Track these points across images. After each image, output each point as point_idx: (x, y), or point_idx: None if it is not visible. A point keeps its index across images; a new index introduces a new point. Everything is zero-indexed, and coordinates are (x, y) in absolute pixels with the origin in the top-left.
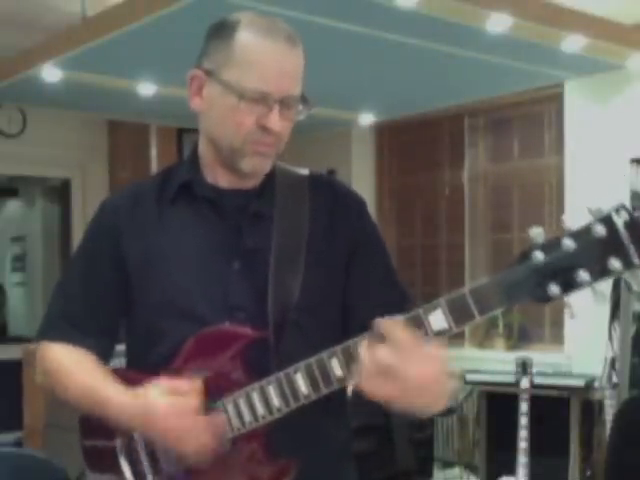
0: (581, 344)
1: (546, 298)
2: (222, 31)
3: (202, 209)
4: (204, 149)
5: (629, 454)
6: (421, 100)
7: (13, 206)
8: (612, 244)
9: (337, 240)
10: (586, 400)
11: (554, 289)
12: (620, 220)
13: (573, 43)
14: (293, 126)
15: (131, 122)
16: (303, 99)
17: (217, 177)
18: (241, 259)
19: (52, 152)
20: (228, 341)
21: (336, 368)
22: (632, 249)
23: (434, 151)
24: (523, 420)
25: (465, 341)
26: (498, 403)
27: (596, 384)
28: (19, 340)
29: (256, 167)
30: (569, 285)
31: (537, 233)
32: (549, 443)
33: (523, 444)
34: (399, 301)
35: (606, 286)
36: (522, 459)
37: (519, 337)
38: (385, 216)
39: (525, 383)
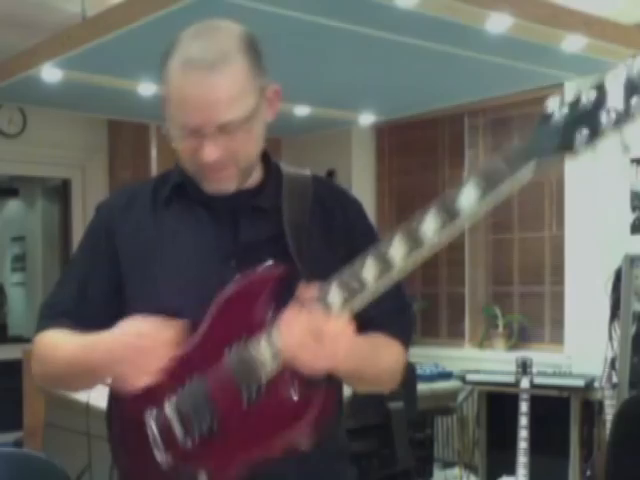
0: (581, 344)
1: (574, 146)
2: (164, 58)
3: (196, 210)
4: None
5: (629, 454)
6: (421, 100)
7: (13, 206)
8: (632, 87)
9: (336, 240)
10: (586, 400)
11: (583, 134)
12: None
13: (573, 43)
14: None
15: (131, 122)
16: (245, 118)
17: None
18: (237, 256)
19: (52, 152)
20: (259, 281)
21: (369, 271)
22: None
23: (434, 151)
24: (523, 420)
25: (465, 341)
26: (498, 403)
27: (596, 384)
28: (19, 340)
29: (219, 189)
30: (596, 128)
31: (553, 100)
32: (549, 443)
33: (523, 444)
34: (395, 295)
35: (631, 138)
36: (522, 459)
37: (519, 337)
38: (385, 216)
39: (525, 383)
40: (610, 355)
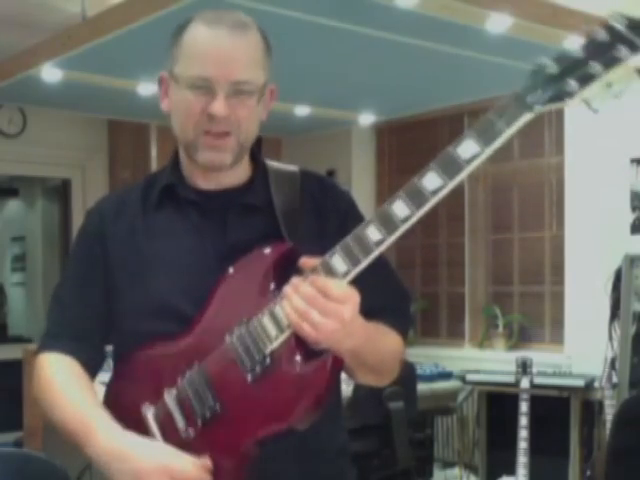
0: (581, 344)
1: (566, 94)
2: (177, 31)
3: (186, 212)
4: (181, 153)
5: (629, 454)
6: (421, 100)
7: (13, 206)
8: (615, 39)
9: (329, 231)
10: (586, 400)
11: (572, 83)
12: (619, 24)
13: (573, 43)
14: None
15: (131, 122)
16: (255, 84)
17: (196, 180)
18: (231, 256)
19: (52, 152)
20: (258, 263)
21: (373, 233)
22: (635, 38)
23: (434, 151)
24: (523, 420)
25: (465, 341)
26: (498, 403)
27: (596, 384)
28: (19, 340)
29: (212, 161)
30: (585, 77)
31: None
32: (549, 443)
33: (523, 444)
34: (393, 286)
35: (621, 87)
36: (522, 459)
37: (519, 337)
38: None
39: (525, 383)
40: (610, 355)
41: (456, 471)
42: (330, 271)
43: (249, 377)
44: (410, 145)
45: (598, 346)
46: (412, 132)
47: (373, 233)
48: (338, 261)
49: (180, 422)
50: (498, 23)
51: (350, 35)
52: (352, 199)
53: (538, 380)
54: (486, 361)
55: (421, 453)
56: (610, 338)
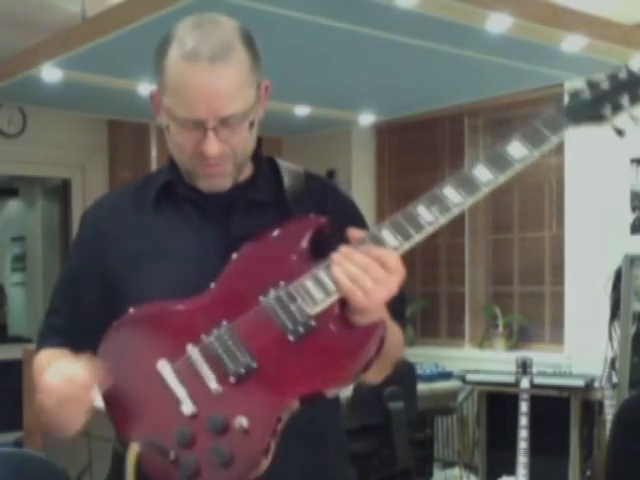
0: (581, 344)
1: (603, 117)
2: (160, 48)
3: (186, 209)
4: None
5: (629, 454)
6: (421, 100)
7: (13, 206)
8: (635, 82)
9: (332, 231)
10: (586, 400)
11: (607, 110)
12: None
13: (573, 43)
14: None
15: (131, 122)
16: (243, 114)
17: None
18: (232, 251)
19: (52, 152)
20: (297, 227)
21: (424, 213)
22: None
23: (434, 151)
24: (523, 420)
25: (465, 341)
26: (498, 403)
27: (596, 384)
28: (19, 340)
29: (214, 186)
30: (617, 107)
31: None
32: (549, 443)
33: (523, 444)
34: None
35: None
36: (522, 459)
37: (519, 337)
38: (385, 216)
39: (525, 383)
40: (610, 355)
41: (456, 471)
42: (381, 243)
43: (291, 337)
44: (410, 145)
45: (598, 346)
46: (412, 132)
47: (424, 212)
48: (388, 235)
49: (209, 378)
50: (498, 23)
51: (350, 35)
52: (354, 202)
53: (538, 380)
54: (486, 361)
55: (421, 453)
56: (610, 338)
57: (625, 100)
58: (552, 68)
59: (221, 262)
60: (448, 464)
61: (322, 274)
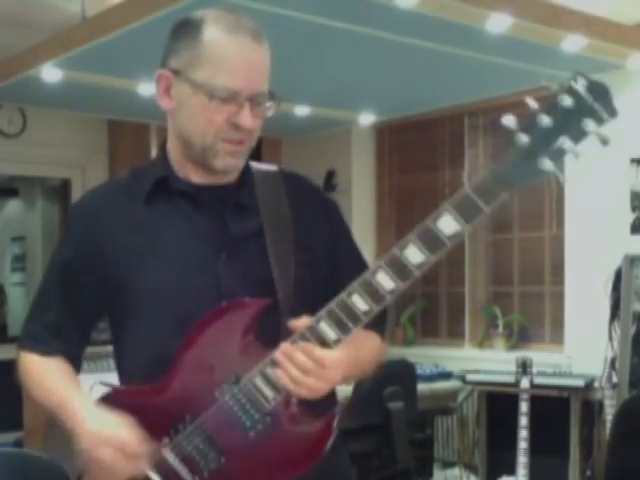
0: (581, 344)
1: (542, 172)
2: (188, 29)
3: (180, 204)
4: (173, 147)
5: (629, 454)
6: (421, 100)
7: (13, 206)
8: (581, 108)
9: (316, 228)
10: (586, 400)
11: (547, 162)
12: (580, 86)
13: (573, 43)
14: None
15: (131, 122)
16: (271, 95)
17: (189, 174)
18: (227, 249)
19: (52, 152)
20: (239, 315)
21: (359, 303)
22: (599, 107)
23: (434, 151)
24: (523, 420)
25: (465, 341)
26: (498, 403)
27: (596, 384)
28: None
29: (229, 166)
30: (557, 155)
31: (510, 120)
32: (549, 443)
33: (523, 444)
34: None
35: (607, 129)
36: (522, 459)
37: (519, 337)
38: (385, 216)
39: (525, 383)
40: (610, 355)
41: (456, 471)
42: (320, 338)
43: (251, 434)
44: (410, 145)
45: (598, 346)
46: (412, 132)
47: (358, 302)
48: (326, 328)
49: (186, 475)
50: (498, 23)
51: (350, 35)
52: (335, 203)
53: (538, 380)
54: (486, 361)
55: (421, 453)
56: (610, 338)
57: (566, 143)
58: (552, 68)
59: (217, 256)
60: (448, 464)
61: (269, 372)
